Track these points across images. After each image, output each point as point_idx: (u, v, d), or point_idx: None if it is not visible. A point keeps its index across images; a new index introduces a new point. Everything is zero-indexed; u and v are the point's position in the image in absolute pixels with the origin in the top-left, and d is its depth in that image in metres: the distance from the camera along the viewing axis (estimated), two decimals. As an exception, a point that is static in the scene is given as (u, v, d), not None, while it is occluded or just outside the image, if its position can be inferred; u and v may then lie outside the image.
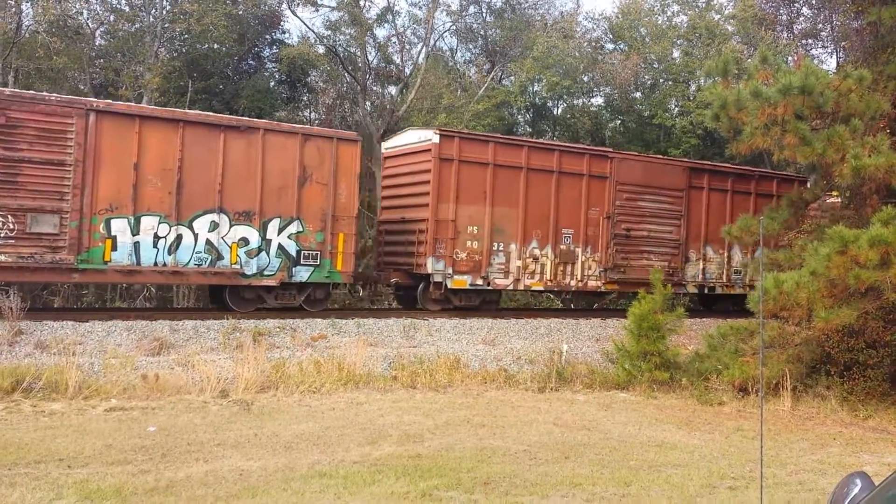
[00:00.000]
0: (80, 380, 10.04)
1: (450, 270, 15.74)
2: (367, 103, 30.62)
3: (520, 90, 31.53)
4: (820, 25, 30.19)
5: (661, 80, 33.57)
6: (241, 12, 26.70)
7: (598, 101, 35.38)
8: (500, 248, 16.34)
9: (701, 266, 18.84)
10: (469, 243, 15.95)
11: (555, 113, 35.51)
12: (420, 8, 31.53)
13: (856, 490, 2.93)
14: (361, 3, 28.36)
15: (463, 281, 15.92)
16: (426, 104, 28.46)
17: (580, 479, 7.13)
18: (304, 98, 31.66)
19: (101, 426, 8.52)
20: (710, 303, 21.06)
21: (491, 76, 31.38)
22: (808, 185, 20.10)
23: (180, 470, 6.91)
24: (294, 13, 29.53)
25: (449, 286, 15.85)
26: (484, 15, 32.33)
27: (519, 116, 35.05)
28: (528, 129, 35.65)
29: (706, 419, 10.51)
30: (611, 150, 19.45)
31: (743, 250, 19.20)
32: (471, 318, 15.70)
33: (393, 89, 31.82)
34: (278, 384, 10.91)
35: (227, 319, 13.15)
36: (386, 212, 17.83)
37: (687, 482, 7.17)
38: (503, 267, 16.38)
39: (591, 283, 17.48)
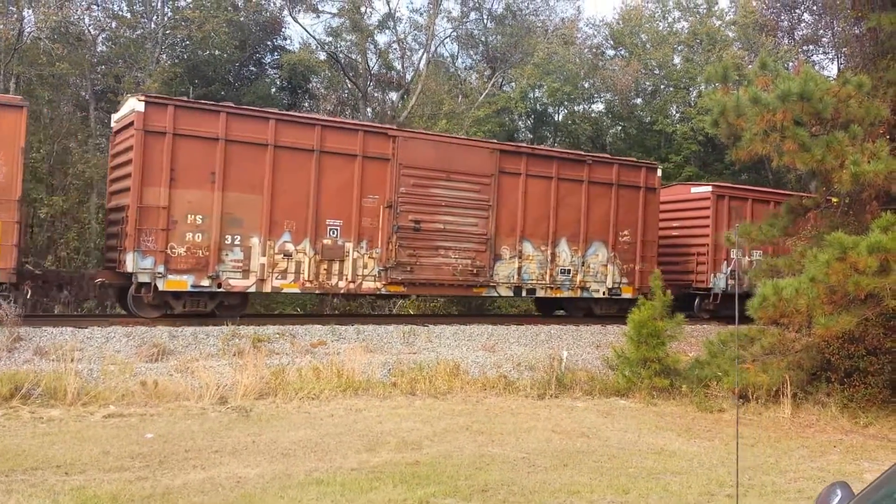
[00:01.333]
0: (78, 386, 10.03)
1: (161, 269, 12.97)
2: (369, 109, 30.68)
3: (520, 96, 31.60)
4: (821, 31, 30.28)
5: (662, 87, 33.66)
6: (242, 19, 26.78)
7: (599, 107, 35.50)
8: (237, 242, 13.60)
9: (517, 265, 16.36)
10: (190, 236, 13.21)
11: (556, 119, 35.57)
12: (421, 14, 31.72)
13: (836, 500, 2.93)
14: (362, 9, 28.44)
15: (182, 282, 13.20)
16: (427, 110, 28.52)
17: (578, 486, 7.10)
18: (306, 104, 31.73)
19: (98, 433, 8.51)
20: (548, 307, 19.43)
21: (492, 82, 31.44)
22: (658, 172, 18.62)
23: (177, 477, 6.89)
24: (295, 20, 29.78)
25: (161, 288, 13.11)
26: (485, 21, 32.42)
27: (520, 122, 35.12)
28: (530, 136, 35.72)
29: (706, 426, 10.48)
30: (393, 127, 17.05)
31: (573, 247, 17.12)
32: (471, 324, 15.68)
33: (394, 95, 31.90)
34: (277, 391, 10.89)
35: (227, 326, 13.13)
36: (113, 197, 14.74)
37: (685, 490, 7.15)
38: (241, 265, 13.66)
39: (368, 285, 14.88)
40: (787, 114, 10.41)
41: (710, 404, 11.68)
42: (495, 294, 16.74)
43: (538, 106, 34.13)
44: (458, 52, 34.77)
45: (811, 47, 31.13)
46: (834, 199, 12.72)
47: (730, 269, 19.31)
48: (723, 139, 12.55)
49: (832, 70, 30.77)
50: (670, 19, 35.75)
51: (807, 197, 13.77)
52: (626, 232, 17.97)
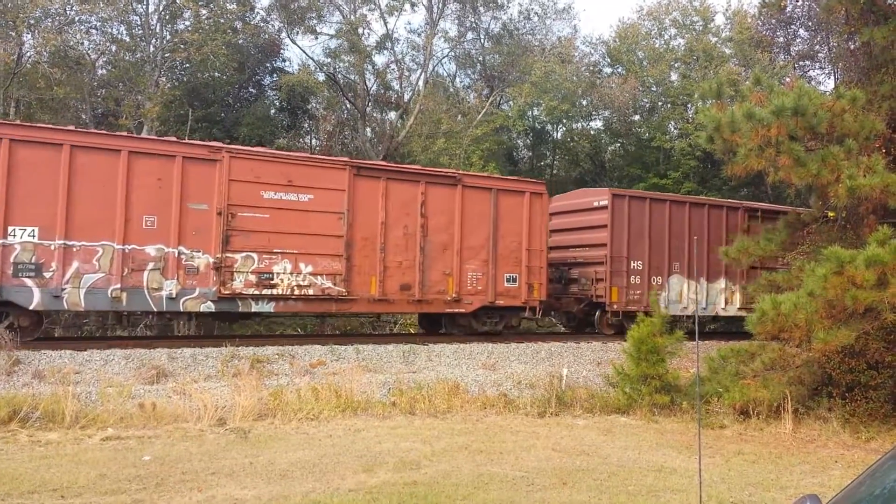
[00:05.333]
0: (76, 409, 10.00)
1: None
2: (368, 129, 30.78)
3: (518, 114, 31.71)
4: (817, 47, 30.42)
5: (660, 103, 33.78)
6: (241, 41, 26.93)
7: (598, 124, 35.60)
8: None
9: None
10: None
11: (555, 137, 35.67)
12: (419, 35, 31.86)
13: None
14: (360, 30, 28.60)
15: None
16: (425, 129, 28.62)
17: (577, 504, 7.05)
18: (305, 125, 31.86)
19: (96, 455, 8.47)
20: None
21: (489, 101, 31.56)
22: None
23: (174, 499, 6.85)
24: (294, 41, 29.90)
25: None
26: (482, 41, 32.60)
27: (518, 140, 35.22)
28: (529, 153, 35.80)
29: (707, 443, 10.42)
30: None
31: None
32: (471, 342, 15.65)
33: (393, 115, 32.02)
34: (276, 412, 10.85)
35: (226, 347, 13.11)
36: None
37: (685, 507, 7.10)
38: None
39: None
40: (782, 129, 10.45)
41: (712, 420, 11.63)
42: None
43: (536, 124, 34.25)
44: (456, 72, 34.99)
45: (807, 63, 31.26)
46: (830, 214, 12.73)
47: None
48: (718, 155, 12.58)
49: (829, 85, 30.90)
50: (667, 36, 35.94)
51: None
52: None
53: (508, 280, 16.59)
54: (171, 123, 24.98)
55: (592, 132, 35.27)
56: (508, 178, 18.81)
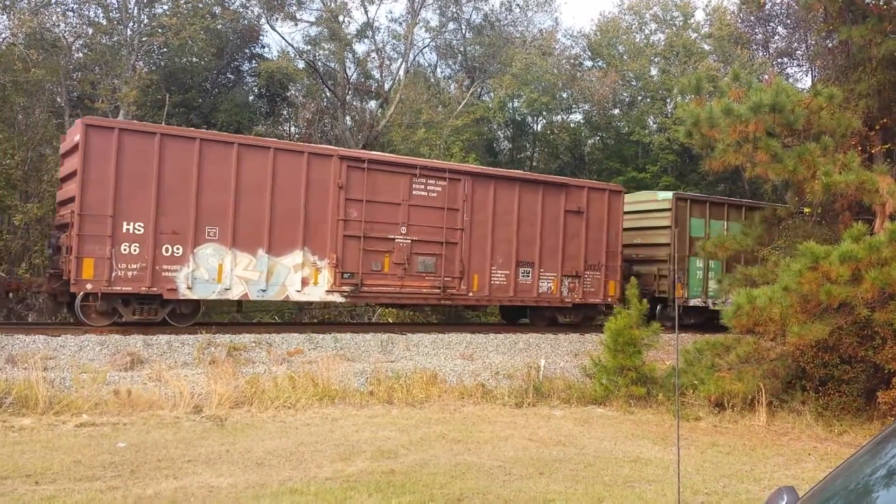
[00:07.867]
0: (50, 395, 9.90)
1: None
2: (347, 118, 30.63)
3: (499, 106, 31.71)
4: (795, 44, 30.69)
5: (639, 98, 33.93)
6: (219, 26, 26.65)
7: (577, 117, 35.69)
8: None
9: None
10: None
11: (534, 129, 35.73)
12: (400, 24, 31.72)
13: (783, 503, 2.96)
14: (341, 18, 28.42)
15: None
16: (405, 119, 28.52)
17: (554, 494, 7.09)
18: (284, 112, 31.63)
19: (70, 442, 8.39)
20: None
21: (470, 92, 31.51)
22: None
23: (149, 486, 6.81)
24: (273, 28, 29.59)
25: None
26: (463, 31, 32.53)
27: (499, 132, 35.24)
28: (509, 145, 35.83)
29: (682, 434, 10.52)
30: None
31: None
32: (449, 332, 15.67)
33: (373, 104, 31.89)
34: (253, 400, 10.81)
35: (202, 334, 13.03)
36: None
37: (660, 498, 7.16)
38: None
39: None
40: (760, 125, 10.54)
41: (687, 412, 11.74)
42: None
43: (517, 116, 34.28)
44: (437, 62, 34.89)
45: (785, 60, 31.53)
46: (806, 210, 12.87)
47: None
48: (697, 150, 12.68)
49: (806, 82, 31.18)
50: (647, 31, 36.08)
51: None
52: None
53: None
54: (148, 108, 24.66)
55: (572, 125, 35.38)
56: None
